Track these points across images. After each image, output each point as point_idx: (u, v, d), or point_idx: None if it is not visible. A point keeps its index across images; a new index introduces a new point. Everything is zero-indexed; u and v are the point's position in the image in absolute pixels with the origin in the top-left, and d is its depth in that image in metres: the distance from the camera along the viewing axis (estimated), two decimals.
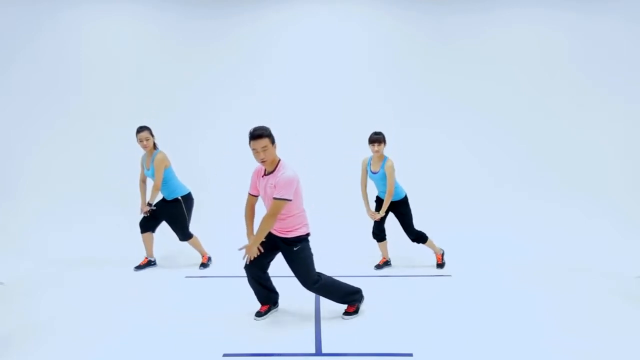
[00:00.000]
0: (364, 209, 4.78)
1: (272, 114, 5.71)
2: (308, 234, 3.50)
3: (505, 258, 5.07)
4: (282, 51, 6.18)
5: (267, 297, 3.67)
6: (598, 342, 3.14)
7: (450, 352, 3.05)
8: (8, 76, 5.99)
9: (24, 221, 5.79)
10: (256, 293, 3.65)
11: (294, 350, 3.09)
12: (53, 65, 6.01)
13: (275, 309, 3.73)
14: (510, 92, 6.06)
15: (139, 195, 4.88)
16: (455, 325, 3.45)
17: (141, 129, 4.61)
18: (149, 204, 4.67)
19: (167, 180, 4.65)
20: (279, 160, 3.35)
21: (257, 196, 3.53)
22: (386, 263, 4.91)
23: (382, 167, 4.52)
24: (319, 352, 3.07)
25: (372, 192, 4.84)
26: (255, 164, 3.45)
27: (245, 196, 3.57)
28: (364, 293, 3.72)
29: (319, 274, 3.49)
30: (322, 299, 3.76)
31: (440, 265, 4.86)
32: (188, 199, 4.80)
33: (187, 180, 4.92)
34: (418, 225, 4.76)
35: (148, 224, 4.82)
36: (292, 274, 3.48)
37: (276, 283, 3.74)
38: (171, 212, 4.75)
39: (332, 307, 3.67)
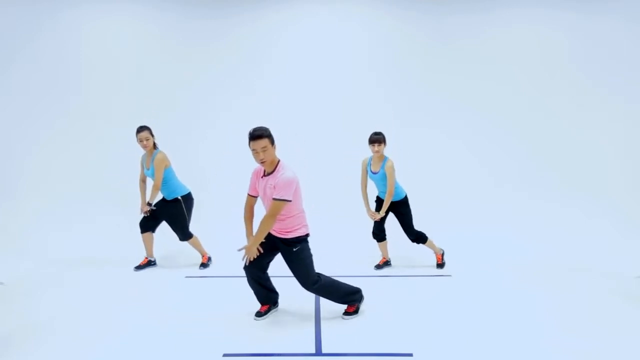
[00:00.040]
0: (364, 209, 4.79)
1: (272, 114, 5.71)
2: (307, 235, 3.49)
3: (505, 258, 5.07)
4: (282, 51, 6.18)
5: (267, 297, 3.67)
6: (598, 342, 3.15)
7: (450, 352, 3.05)
8: (8, 76, 5.99)
9: (24, 221, 5.80)
10: (256, 293, 3.65)
11: (294, 350, 3.09)
12: (53, 65, 6.02)
13: (275, 309, 3.73)
14: (510, 92, 6.06)
15: (139, 195, 4.88)
16: (455, 325, 3.46)
17: (141, 129, 4.61)
18: (149, 204, 4.67)
19: (167, 180, 4.66)
20: (279, 161, 3.35)
21: (256, 197, 3.53)
22: (386, 263, 4.92)
23: (382, 167, 4.52)
24: (319, 352, 3.07)
25: (372, 192, 4.84)
26: (255, 164, 3.45)
27: (245, 196, 3.57)
28: (364, 293, 3.72)
29: (319, 275, 3.49)
30: (322, 299, 3.76)
31: (440, 265, 4.87)
32: (188, 198, 4.81)
33: (187, 180, 4.92)
34: (418, 225, 4.76)
35: (148, 224, 4.82)
36: (291, 274, 3.48)
37: (276, 283, 3.74)
38: (171, 212, 4.76)
39: (332, 307, 3.67)
